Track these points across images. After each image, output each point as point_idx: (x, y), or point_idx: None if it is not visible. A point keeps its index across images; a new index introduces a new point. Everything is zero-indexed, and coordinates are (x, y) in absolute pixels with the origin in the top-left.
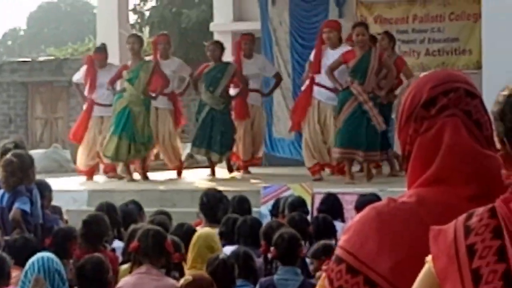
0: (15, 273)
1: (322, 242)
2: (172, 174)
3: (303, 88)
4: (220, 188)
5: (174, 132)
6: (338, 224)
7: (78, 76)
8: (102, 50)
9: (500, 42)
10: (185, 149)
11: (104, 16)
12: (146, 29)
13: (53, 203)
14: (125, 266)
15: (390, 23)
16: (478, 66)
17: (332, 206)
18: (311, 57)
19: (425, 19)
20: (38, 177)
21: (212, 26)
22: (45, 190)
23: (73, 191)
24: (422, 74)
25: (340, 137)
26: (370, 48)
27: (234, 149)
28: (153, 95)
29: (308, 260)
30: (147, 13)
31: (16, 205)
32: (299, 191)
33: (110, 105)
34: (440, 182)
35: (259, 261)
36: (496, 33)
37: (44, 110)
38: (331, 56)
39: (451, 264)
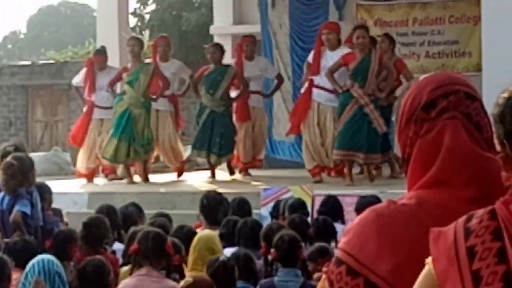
0: (15, 275)
1: (317, 244)
2: (173, 176)
3: (302, 90)
4: (221, 190)
5: (175, 134)
6: (338, 226)
7: (78, 79)
8: (101, 52)
9: (500, 44)
10: (186, 152)
11: (104, 19)
12: (146, 32)
13: (53, 205)
14: (125, 268)
15: (390, 26)
16: (478, 68)
17: (332, 208)
18: (309, 58)
19: (425, 22)
20: (38, 179)
21: (212, 29)
22: (45, 192)
23: (73, 193)
24: (422, 77)
25: (340, 139)
26: (370, 51)
27: (235, 151)
28: (154, 97)
29: None
30: (147, 16)
31: (16, 208)
32: (299, 193)
33: (110, 108)
34: (440, 184)
35: (259, 263)
36: (496, 36)
37: (44, 113)
38: (330, 57)
39: (451, 266)
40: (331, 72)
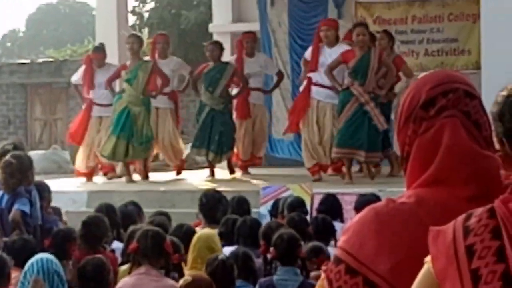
0: (14, 274)
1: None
2: (172, 174)
3: (301, 89)
4: (220, 188)
5: (176, 131)
6: (337, 225)
7: (77, 77)
8: (100, 49)
9: (499, 42)
10: (186, 150)
11: (103, 17)
12: (145, 31)
13: (52, 204)
14: (124, 267)
15: (389, 23)
16: (477, 66)
17: (331, 207)
18: (306, 54)
19: (424, 20)
20: (37, 178)
21: (211, 27)
22: (44, 191)
23: (72, 192)
24: (421, 75)
25: (340, 137)
26: (370, 48)
27: (235, 149)
28: (153, 93)
29: None
30: (146, 15)
31: (16, 206)
32: (299, 192)
33: (108, 105)
34: (439, 183)
35: (258, 261)
36: (495, 34)
37: (43, 112)
38: (328, 54)
39: (450, 264)
40: (330, 70)
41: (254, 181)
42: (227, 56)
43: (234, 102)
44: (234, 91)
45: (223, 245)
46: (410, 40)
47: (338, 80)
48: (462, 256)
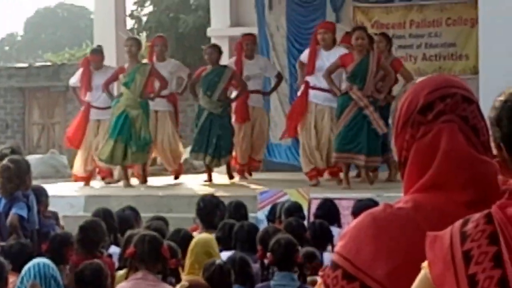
0: (11, 279)
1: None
2: (169, 179)
3: (299, 93)
4: (217, 193)
5: (175, 134)
6: (334, 230)
7: (74, 80)
8: (98, 52)
9: (497, 47)
10: (185, 154)
11: (101, 21)
12: (144, 34)
13: (50, 208)
14: (121, 272)
15: (387, 28)
16: (475, 71)
17: (328, 212)
18: (302, 57)
19: (422, 24)
20: (34, 182)
21: (209, 31)
22: (41, 195)
23: (69, 196)
24: (419, 80)
25: (340, 141)
26: (368, 52)
27: (233, 153)
28: (151, 96)
29: None
30: (144, 19)
31: (13, 211)
32: (296, 197)
33: (106, 108)
34: (436, 188)
35: (255, 266)
36: (492, 38)
37: (41, 116)
38: (325, 57)
39: (447, 270)
40: (329, 73)
41: (252, 186)
42: (225, 60)
43: (233, 105)
44: (233, 94)
45: (220, 250)
46: (408, 45)
47: (335, 82)
48: (459, 261)
